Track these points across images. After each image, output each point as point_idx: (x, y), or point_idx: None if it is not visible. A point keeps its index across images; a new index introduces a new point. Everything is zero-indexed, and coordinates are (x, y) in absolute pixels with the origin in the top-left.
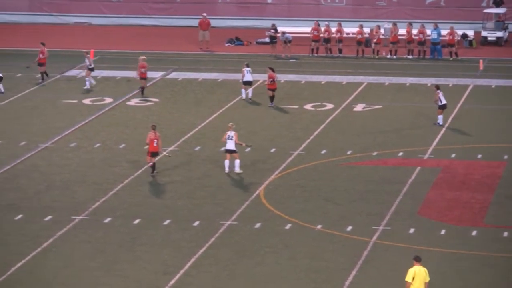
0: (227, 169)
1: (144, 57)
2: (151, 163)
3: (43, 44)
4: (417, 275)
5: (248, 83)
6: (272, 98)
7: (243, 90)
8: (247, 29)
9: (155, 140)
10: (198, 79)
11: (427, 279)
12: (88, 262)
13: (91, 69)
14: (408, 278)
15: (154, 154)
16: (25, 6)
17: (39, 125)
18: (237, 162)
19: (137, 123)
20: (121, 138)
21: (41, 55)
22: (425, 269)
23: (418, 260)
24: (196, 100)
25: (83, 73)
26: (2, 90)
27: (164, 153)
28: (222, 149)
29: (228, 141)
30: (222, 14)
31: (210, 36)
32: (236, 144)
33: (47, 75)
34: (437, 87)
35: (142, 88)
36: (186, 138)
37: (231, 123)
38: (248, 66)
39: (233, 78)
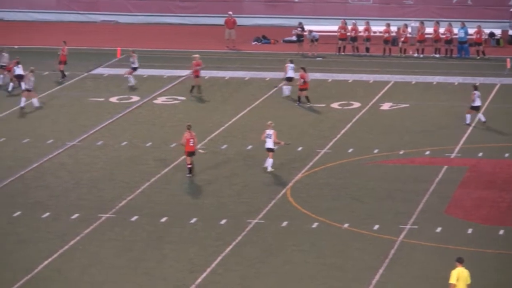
0: (269, 168)
1: (197, 55)
2: (190, 165)
3: (65, 43)
4: (461, 277)
5: (290, 79)
6: (306, 98)
7: (284, 87)
8: (274, 28)
9: (191, 140)
10: (225, 77)
11: (469, 281)
12: (115, 260)
13: (134, 69)
14: (452, 280)
15: (190, 153)
16: (53, 4)
17: (66, 123)
18: (270, 161)
19: (164, 121)
20: (148, 136)
21: (62, 53)
22: (467, 271)
23: (460, 261)
24: (222, 99)
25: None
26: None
27: (199, 150)
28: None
29: (267, 139)
30: (249, 12)
31: (236, 35)
32: (274, 142)
33: (63, 74)
34: (475, 87)
35: (193, 87)
36: (213, 137)
37: (270, 122)
38: (291, 62)
39: (260, 77)
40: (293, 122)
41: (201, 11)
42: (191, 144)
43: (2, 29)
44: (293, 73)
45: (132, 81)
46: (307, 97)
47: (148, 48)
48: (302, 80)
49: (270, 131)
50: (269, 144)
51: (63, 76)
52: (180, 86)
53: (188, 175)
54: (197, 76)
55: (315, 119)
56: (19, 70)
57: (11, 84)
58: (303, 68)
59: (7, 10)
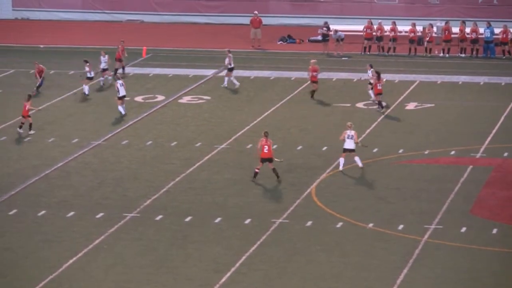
0: (341, 167)
1: (315, 60)
2: (257, 169)
3: (123, 42)
4: None
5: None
6: (380, 103)
7: (371, 91)
8: (300, 27)
9: (266, 146)
10: (250, 77)
11: None
12: (140, 260)
13: (231, 70)
14: None
15: (264, 160)
16: (78, 3)
17: (92, 123)
18: (357, 158)
19: (189, 120)
20: (173, 135)
21: (120, 52)
22: None
23: None
24: (248, 98)
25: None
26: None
27: (276, 159)
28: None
29: (348, 140)
30: (274, 12)
31: (262, 34)
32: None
33: (115, 72)
34: None
35: (313, 91)
36: (237, 136)
37: (350, 123)
38: (371, 67)
39: (285, 76)
40: (318, 122)
41: (226, 10)
42: (266, 151)
43: (28, 28)
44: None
45: (235, 83)
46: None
47: (174, 47)
48: (378, 85)
49: (351, 132)
50: (350, 144)
51: (116, 73)
52: (206, 86)
53: (252, 179)
54: (314, 82)
55: (340, 118)
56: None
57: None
58: (377, 72)
59: (33, 10)
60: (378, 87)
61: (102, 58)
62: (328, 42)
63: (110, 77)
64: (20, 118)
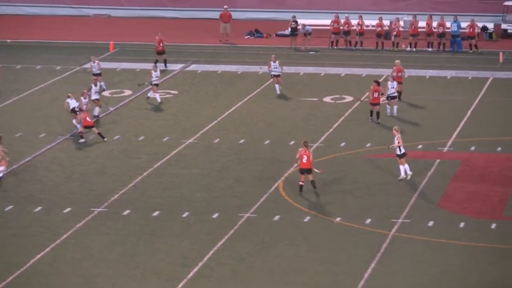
0: (402, 175)
1: (398, 61)
2: (301, 182)
3: (160, 35)
4: None
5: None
6: (377, 114)
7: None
8: (267, 22)
9: (305, 156)
10: (217, 71)
11: None
12: (107, 254)
13: (279, 76)
14: None
15: (303, 171)
16: None
17: (59, 117)
18: (406, 167)
19: (156, 115)
20: (140, 130)
21: (160, 44)
22: None
23: None
24: (215, 93)
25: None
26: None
27: (315, 169)
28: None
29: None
30: (242, 6)
31: (230, 29)
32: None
33: (165, 64)
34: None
35: (399, 93)
36: (205, 131)
37: (396, 127)
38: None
39: (253, 71)
40: (285, 116)
41: (194, 4)
42: (304, 161)
43: None
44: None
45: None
46: (377, 113)
47: (141, 42)
48: (375, 93)
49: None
50: (400, 150)
51: (166, 65)
52: (173, 80)
53: (299, 193)
54: (399, 82)
55: (308, 113)
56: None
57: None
58: (377, 82)
59: (0, 4)
60: (374, 96)
61: (92, 64)
62: (296, 37)
63: (103, 83)
64: None
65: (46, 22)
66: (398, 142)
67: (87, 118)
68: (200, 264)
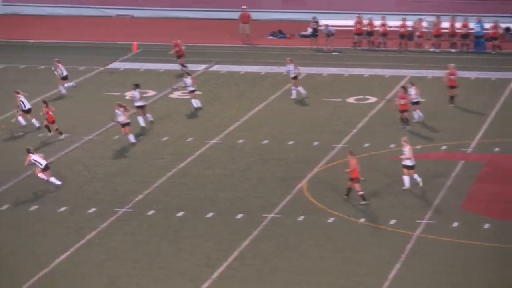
0: (407, 185)
1: (453, 64)
2: (361, 192)
3: (177, 38)
4: None
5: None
6: (404, 120)
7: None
8: (290, 22)
9: (355, 166)
10: (240, 72)
11: None
12: (132, 254)
13: (295, 78)
14: None
15: (352, 180)
16: None
17: (83, 118)
18: (416, 175)
19: (180, 116)
20: (164, 131)
21: (176, 48)
22: None
23: None
24: (238, 93)
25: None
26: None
27: (361, 178)
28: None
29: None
30: (265, 7)
31: (252, 29)
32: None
33: (184, 66)
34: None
35: (452, 97)
36: (228, 131)
37: (405, 138)
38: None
39: (276, 71)
40: (308, 117)
41: (216, 5)
42: (355, 170)
43: (18, 23)
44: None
45: (302, 92)
46: (403, 119)
47: (164, 42)
48: (401, 100)
49: (406, 148)
50: (409, 161)
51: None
52: (196, 81)
53: (362, 203)
54: (453, 86)
55: (331, 113)
56: None
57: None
58: (405, 88)
59: (23, 5)
60: (402, 102)
61: (60, 66)
62: (317, 37)
63: (71, 84)
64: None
65: (69, 23)
66: (409, 154)
67: (50, 113)
68: (224, 264)
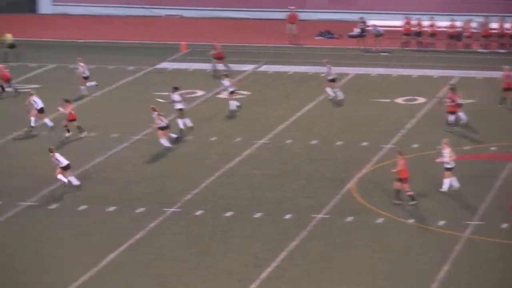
0: (445, 187)
1: (508, 66)
2: (410, 192)
3: (214, 40)
4: None
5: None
6: (452, 121)
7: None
8: (337, 22)
9: (403, 165)
10: (288, 72)
11: None
12: (180, 254)
13: (333, 80)
14: None
15: (400, 180)
16: None
17: (131, 118)
18: (453, 180)
19: (228, 116)
20: (212, 131)
21: (214, 51)
22: None
23: None
24: (286, 93)
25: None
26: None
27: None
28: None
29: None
30: (312, 7)
31: (300, 29)
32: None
33: (219, 67)
34: None
35: (503, 99)
36: (277, 131)
37: (446, 140)
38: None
39: (324, 71)
40: (357, 117)
41: (266, 5)
42: (404, 170)
43: (67, 23)
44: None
45: (339, 94)
46: (450, 123)
47: (212, 42)
48: (450, 100)
49: (446, 150)
50: (450, 163)
51: (215, 71)
52: (244, 81)
53: (410, 203)
54: (509, 89)
55: (379, 114)
56: None
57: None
58: (453, 88)
59: (72, 5)
60: (449, 103)
61: (83, 65)
62: (365, 38)
63: (93, 83)
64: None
65: (118, 23)
66: (450, 156)
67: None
68: (273, 264)
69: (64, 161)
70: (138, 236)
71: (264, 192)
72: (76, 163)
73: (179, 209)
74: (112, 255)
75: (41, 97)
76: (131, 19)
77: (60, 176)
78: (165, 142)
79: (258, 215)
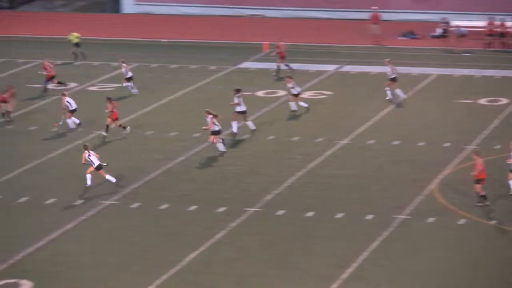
0: None
1: None
2: (482, 193)
3: (279, 40)
4: None
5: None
6: None
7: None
8: (420, 23)
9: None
10: (371, 72)
11: None
12: (262, 254)
13: (394, 80)
14: None
15: (478, 181)
16: None
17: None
18: None
19: (310, 116)
20: (294, 130)
21: (278, 49)
22: None
23: None
24: (369, 94)
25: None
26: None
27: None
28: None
29: None
30: (395, 7)
31: (382, 30)
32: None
33: (289, 67)
34: None
35: None
36: (359, 132)
37: None
38: None
39: (406, 72)
40: (439, 118)
41: (348, 5)
42: (482, 171)
43: (150, 23)
44: None
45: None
46: None
47: (294, 42)
48: None
49: None
50: None
51: (290, 67)
52: (327, 81)
53: (480, 203)
54: None
55: (462, 114)
56: None
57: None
58: None
59: (155, 4)
60: None
61: (125, 65)
62: (447, 38)
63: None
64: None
65: (201, 22)
66: None
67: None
68: (354, 265)
69: (97, 161)
70: (219, 235)
71: (346, 193)
72: (156, 162)
73: (261, 209)
74: (193, 254)
75: (126, 96)
76: (213, 19)
77: (108, 177)
78: (220, 147)
79: (340, 215)
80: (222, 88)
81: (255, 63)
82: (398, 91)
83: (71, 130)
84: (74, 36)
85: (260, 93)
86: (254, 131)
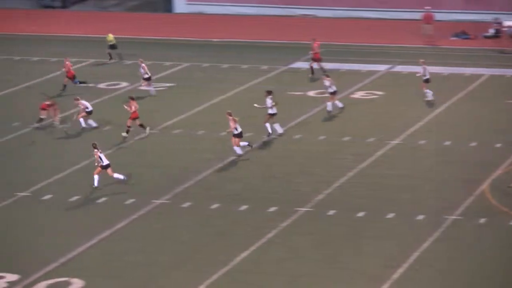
0: None
1: None
2: None
3: (314, 40)
4: None
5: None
6: None
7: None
8: (472, 23)
9: None
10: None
11: None
12: (312, 254)
13: (427, 81)
14: None
15: None
16: None
17: (253, 118)
18: None
19: (361, 116)
20: (345, 130)
21: (313, 50)
22: None
23: None
24: (420, 94)
25: None
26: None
27: None
28: None
29: None
30: (447, 7)
31: (434, 30)
32: None
33: (323, 70)
34: None
35: None
36: (410, 132)
37: None
38: None
39: (458, 72)
40: (491, 118)
41: (399, 5)
42: None
43: (202, 22)
44: None
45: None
46: None
47: (345, 42)
48: None
49: None
50: None
51: (312, 73)
52: (379, 81)
53: None
54: None
55: None
56: None
57: None
58: None
59: (207, 4)
60: None
61: (144, 66)
62: (500, 38)
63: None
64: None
65: (252, 22)
66: None
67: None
68: (405, 265)
69: (106, 160)
70: (270, 235)
71: (397, 193)
72: (207, 161)
73: (312, 209)
74: (243, 254)
75: (177, 96)
76: (265, 18)
77: (116, 175)
78: (238, 149)
79: (391, 215)
80: (273, 88)
81: (306, 63)
82: (427, 91)
83: (83, 129)
84: (111, 38)
85: (311, 93)
86: (281, 134)
